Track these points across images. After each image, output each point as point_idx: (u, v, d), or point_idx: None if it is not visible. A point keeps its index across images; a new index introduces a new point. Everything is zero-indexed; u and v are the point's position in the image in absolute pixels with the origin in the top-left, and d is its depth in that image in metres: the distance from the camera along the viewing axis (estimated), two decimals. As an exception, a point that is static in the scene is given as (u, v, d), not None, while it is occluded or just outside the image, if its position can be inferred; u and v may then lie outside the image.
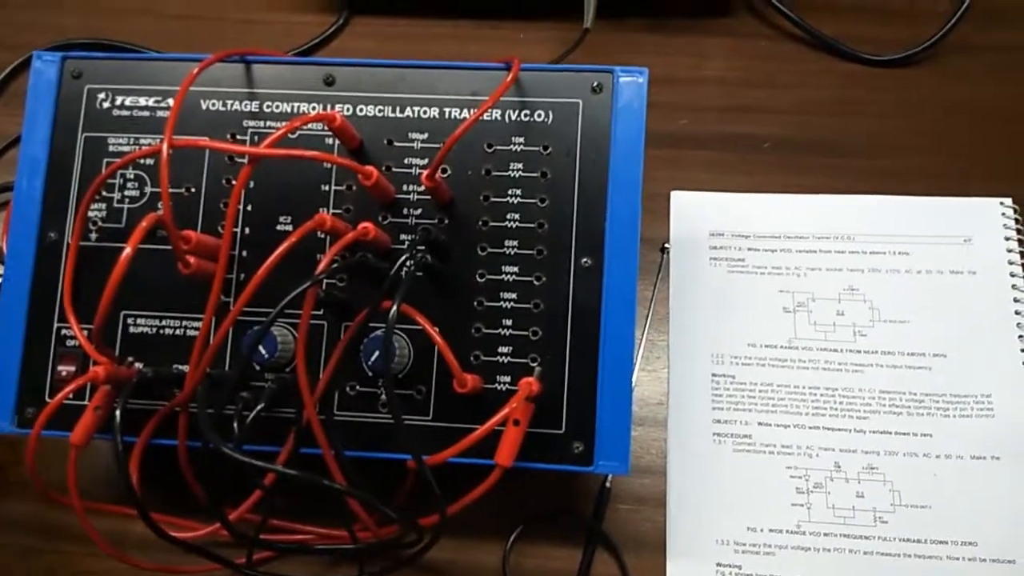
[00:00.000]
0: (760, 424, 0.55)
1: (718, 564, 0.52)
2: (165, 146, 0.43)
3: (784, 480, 0.54)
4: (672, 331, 0.58)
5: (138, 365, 0.49)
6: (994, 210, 0.60)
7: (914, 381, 0.56)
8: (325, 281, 0.48)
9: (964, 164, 0.62)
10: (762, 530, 0.53)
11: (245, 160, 0.50)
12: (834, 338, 0.57)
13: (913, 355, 0.57)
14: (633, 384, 0.53)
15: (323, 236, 0.48)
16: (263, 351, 0.46)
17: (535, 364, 0.48)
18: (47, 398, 0.50)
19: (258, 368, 0.48)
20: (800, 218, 0.61)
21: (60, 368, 0.50)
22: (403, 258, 0.44)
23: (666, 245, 0.60)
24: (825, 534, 0.53)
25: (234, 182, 0.50)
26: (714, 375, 0.57)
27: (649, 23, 0.68)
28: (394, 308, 0.41)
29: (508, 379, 0.48)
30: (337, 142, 0.50)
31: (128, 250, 0.40)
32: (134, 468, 0.47)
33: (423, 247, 0.47)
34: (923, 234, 0.60)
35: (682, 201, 0.62)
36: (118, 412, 0.43)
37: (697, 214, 0.61)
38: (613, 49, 0.66)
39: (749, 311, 0.58)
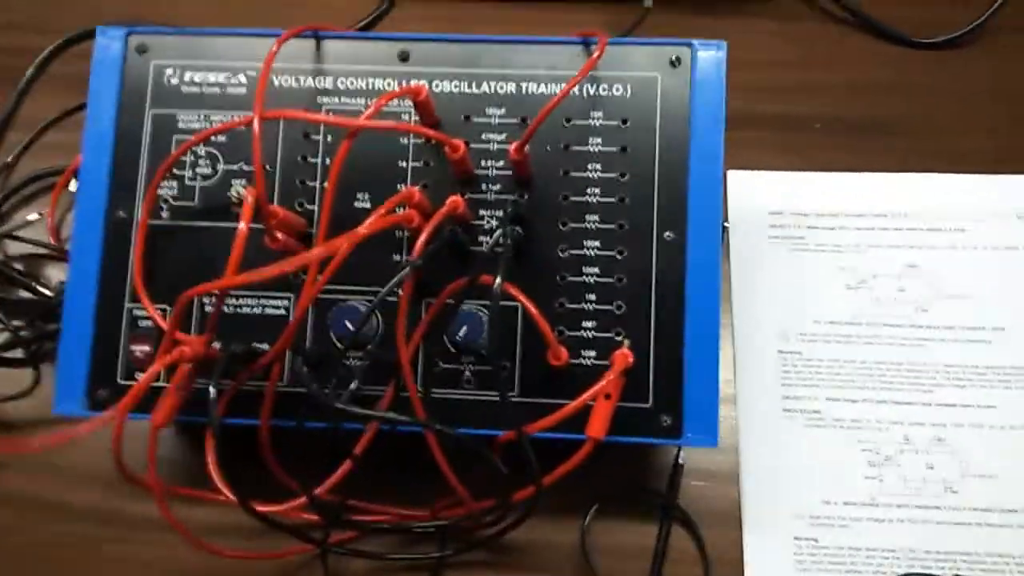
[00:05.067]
0: (829, 399, 0.56)
1: (795, 537, 0.53)
2: (256, 119, 0.42)
3: (856, 453, 0.55)
4: (736, 309, 0.58)
5: (215, 344, 0.48)
6: (1046, 187, 0.61)
7: (976, 354, 0.57)
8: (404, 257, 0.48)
9: (1014, 142, 0.63)
10: (837, 503, 0.53)
11: (320, 137, 0.50)
12: (896, 314, 0.58)
13: (974, 329, 0.57)
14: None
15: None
16: (349, 325, 0.46)
17: (620, 338, 0.47)
18: (119, 379, 0.49)
19: (340, 345, 0.47)
20: (857, 197, 0.61)
21: (134, 348, 0.48)
22: (497, 234, 0.44)
23: (725, 224, 0.61)
24: (898, 505, 0.53)
25: (310, 159, 0.49)
26: (781, 352, 0.57)
27: (698, 6, 0.68)
28: (498, 282, 0.41)
29: (593, 354, 0.47)
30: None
31: (243, 227, 0.40)
32: (209, 449, 0.46)
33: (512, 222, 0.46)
34: (978, 211, 0.60)
35: (740, 181, 0.62)
36: (212, 391, 0.42)
37: (755, 193, 0.61)
38: (665, 31, 0.66)
39: (812, 288, 0.59)
